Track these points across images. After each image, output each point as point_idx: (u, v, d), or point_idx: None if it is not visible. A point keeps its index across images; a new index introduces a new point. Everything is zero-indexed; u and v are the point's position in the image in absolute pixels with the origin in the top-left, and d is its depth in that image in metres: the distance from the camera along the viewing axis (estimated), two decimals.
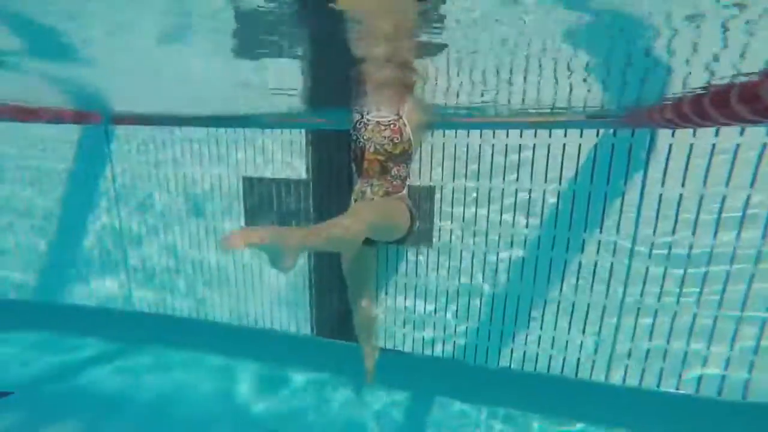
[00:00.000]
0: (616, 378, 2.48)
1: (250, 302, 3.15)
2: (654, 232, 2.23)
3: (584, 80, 1.84)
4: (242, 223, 3.00)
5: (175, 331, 3.37)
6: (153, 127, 3.04)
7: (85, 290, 3.53)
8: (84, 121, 3.12)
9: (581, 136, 2.26)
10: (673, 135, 2.09)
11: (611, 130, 2.21)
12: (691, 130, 2.05)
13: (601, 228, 2.34)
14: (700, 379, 2.34)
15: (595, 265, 2.39)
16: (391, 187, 2.16)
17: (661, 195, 2.17)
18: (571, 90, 2.02)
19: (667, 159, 2.12)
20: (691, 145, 2.07)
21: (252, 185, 2.91)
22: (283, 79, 2.03)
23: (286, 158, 2.81)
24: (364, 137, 2.13)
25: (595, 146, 2.25)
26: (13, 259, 3.58)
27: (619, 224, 2.30)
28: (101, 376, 2.90)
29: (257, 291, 3.10)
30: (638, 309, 2.36)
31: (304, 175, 2.79)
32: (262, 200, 2.90)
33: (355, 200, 2.21)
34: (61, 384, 2.82)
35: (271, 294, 3.08)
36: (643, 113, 2.05)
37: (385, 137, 2.10)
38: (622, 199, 2.26)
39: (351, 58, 1.61)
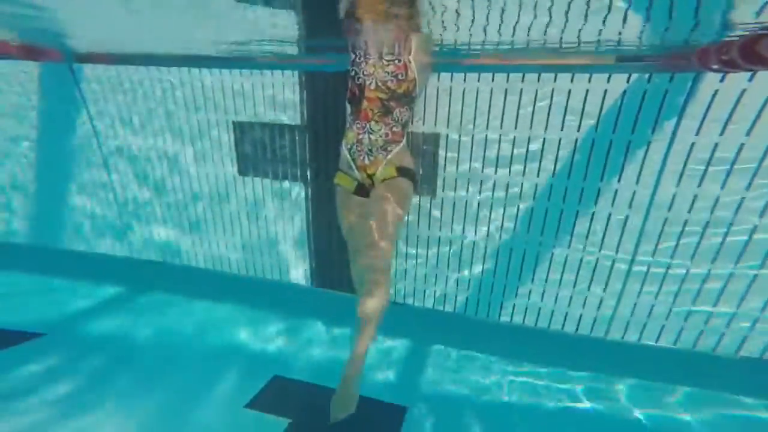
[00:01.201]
0: (615, 334, 2.45)
1: (248, 251, 3.10)
2: (678, 183, 2.05)
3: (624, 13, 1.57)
4: (235, 170, 2.84)
5: (172, 279, 3.37)
6: (129, 67, 2.77)
7: (80, 235, 3.50)
8: (38, 58, 2.82)
9: (609, 81, 2.00)
10: (722, 80, 1.83)
11: (646, 75, 1.94)
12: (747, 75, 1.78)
13: (619, 178, 2.16)
14: (699, 335, 2.30)
15: (608, 218, 2.25)
16: (391, 133, 1.93)
17: (693, 144, 1.96)
18: (604, 23, 1.74)
19: (708, 107, 1.88)
20: (743, 91, 1.81)
21: (243, 131, 2.70)
22: (274, 13, 1.77)
23: (279, 102, 2.57)
24: (365, 72, 1.87)
25: (624, 92, 2.00)
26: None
27: (639, 175, 2.11)
28: (101, 324, 2.93)
29: (254, 240, 3.04)
30: (648, 267, 2.25)
31: (298, 120, 2.57)
32: (255, 146, 2.71)
33: (349, 150, 1.99)
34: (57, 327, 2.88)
35: (271, 245, 3.01)
36: (692, 55, 1.77)
37: (388, 72, 1.85)
38: (647, 149, 2.05)
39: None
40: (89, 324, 2.92)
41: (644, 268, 2.27)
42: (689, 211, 2.08)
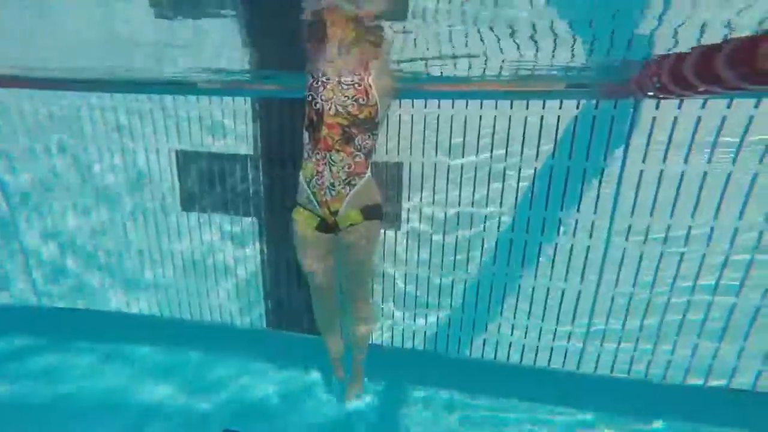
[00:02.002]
0: (587, 367, 2.39)
1: (193, 294, 2.76)
2: (632, 212, 2.11)
3: (571, 46, 1.65)
4: (179, 206, 2.56)
5: (106, 327, 2.96)
6: (55, 92, 2.49)
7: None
8: None
9: (561, 107, 2.07)
10: (657, 107, 1.95)
11: (593, 102, 2.03)
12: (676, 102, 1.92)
13: (578, 207, 2.19)
14: (688, 370, 2.27)
15: (571, 248, 2.25)
16: (354, 164, 1.79)
17: (642, 171, 2.04)
18: (553, 54, 1.83)
19: (650, 133, 1.99)
20: (675, 118, 1.94)
21: (187, 161, 2.47)
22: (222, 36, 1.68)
23: (229, 130, 2.40)
24: (323, 97, 1.76)
25: (575, 118, 2.07)
26: None
27: (597, 203, 2.16)
28: (27, 377, 2.54)
29: (201, 283, 2.72)
30: (612, 297, 2.26)
31: (251, 150, 2.40)
32: (200, 177, 2.47)
33: (308, 183, 1.85)
34: None
35: (221, 286, 2.70)
36: (630, 82, 1.89)
37: (348, 97, 1.75)
38: (601, 175, 2.11)
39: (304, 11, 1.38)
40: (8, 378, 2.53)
41: (609, 298, 2.27)
42: (644, 242, 2.13)
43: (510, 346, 2.47)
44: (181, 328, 2.86)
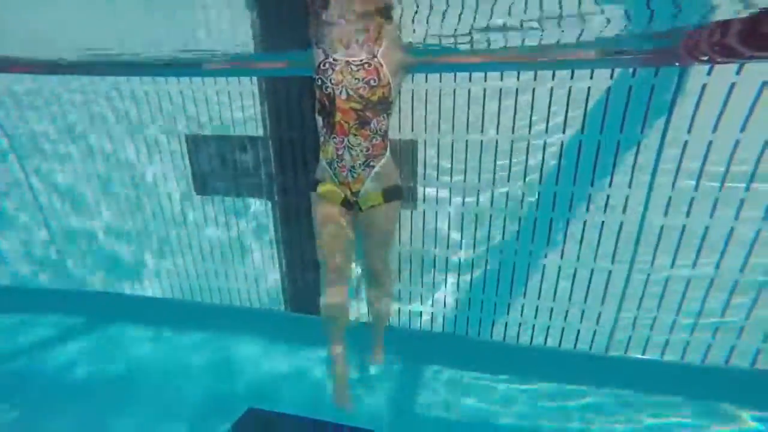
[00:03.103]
0: (617, 350, 2.27)
1: (212, 277, 2.79)
2: (673, 186, 1.91)
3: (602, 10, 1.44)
4: (193, 189, 2.56)
5: (130, 311, 3.05)
6: (59, 76, 2.46)
7: (10, 271, 3.12)
8: None
9: (591, 77, 1.86)
10: (709, 73, 1.70)
11: (630, 70, 1.80)
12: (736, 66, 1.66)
13: (610, 183, 2.00)
14: (708, 348, 2.14)
15: (602, 225, 2.09)
16: (372, 147, 1.74)
17: (686, 143, 1.82)
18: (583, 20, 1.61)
19: (698, 102, 1.75)
20: (733, 85, 1.69)
21: (197, 145, 2.43)
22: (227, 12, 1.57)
23: (237, 111, 2.32)
24: (333, 81, 1.66)
25: (608, 89, 1.85)
26: None
27: (631, 179, 1.97)
28: (50, 360, 2.66)
29: (219, 265, 2.74)
30: (648, 276, 2.09)
31: (259, 131, 2.33)
32: (210, 161, 2.44)
33: (329, 165, 1.79)
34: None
35: (238, 270, 2.73)
36: (677, 48, 1.64)
37: (359, 79, 1.64)
38: (638, 149, 1.91)
39: None
40: (38, 360, 2.67)
41: (643, 277, 2.11)
42: (687, 216, 1.94)
43: (533, 328, 2.38)
44: (201, 311, 2.92)
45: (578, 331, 2.33)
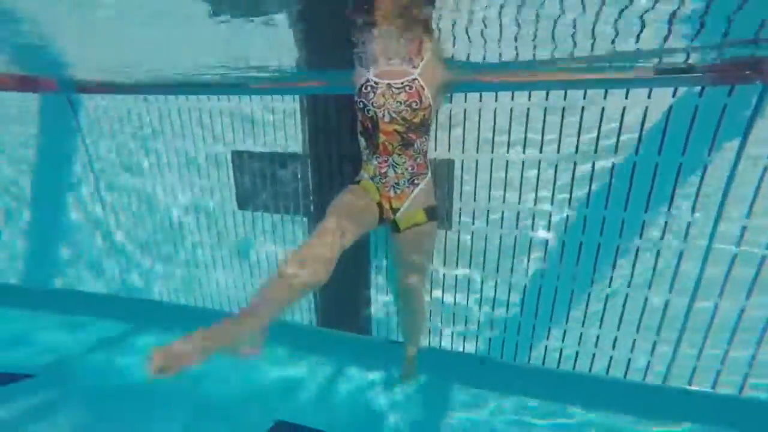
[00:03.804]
0: (672, 382, 2.09)
1: (248, 289, 2.90)
2: (748, 214, 1.69)
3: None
4: (234, 204, 2.68)
5: (167, 319, 3.12)
6: (125, 96, 2.67)
7: (72, 274, 3.37)
8: (35, 89, 2.73)
9: (649, 96, 1.69)
10: None
11: (696, 89, 1.61)
12: None
13: (669, 207, 1.82)
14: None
15: (658, 253, 1.91)
16: (416, 166, 1.74)
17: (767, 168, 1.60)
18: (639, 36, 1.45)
19: None
20: None
21: (242, 160, 2.54)
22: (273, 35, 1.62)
23: (279, 129, 2.39)
24: (375, 104, 1.65)
25: (669, 108, 1.67)
26: None
27: (695, 204, 1.77)
28: (91, 365, 2.80)
29: (255, 278, 2.84)
30: (714, 309, 1.89)
31: (299, 149, 2.38)
32: (254, 178, 2.54)
33: (372, 178, 1.78)
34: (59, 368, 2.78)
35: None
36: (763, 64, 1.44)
37: (401, 102, 1.62)
38: (703, 172, 1.71)
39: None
40: (79, 366, 2.80)
41: (708, 314, 1.91)
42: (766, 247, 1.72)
43: (577, 355, 2.25)
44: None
45: (628, 360, 2.17)
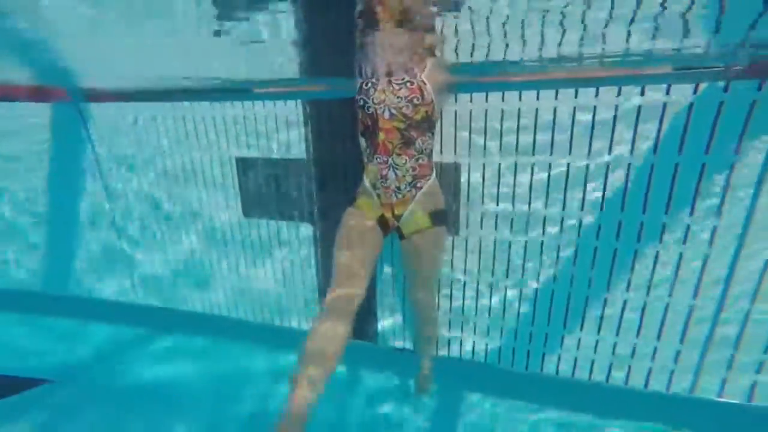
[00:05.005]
0: (701, 390, 1.97)
1: (255, 296, 2.89)
2: None
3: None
4: (239, 211, 2.66)
5: (176, 325, 3.20)
6: (134, 103, 2.67)
7: (84, 280, 3.40)
8: (45, 99, 2.76)
9: (667, 93, 1.58)
10: None
11: (720, 84, 1.49)
12: None
13: (692, 210, 1.70)
14: None
15: (680, 257, 1.79)
16: (419, 166, 1.66)
17: None
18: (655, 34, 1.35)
19: None
20: None
21: (246, 167, 2.52)
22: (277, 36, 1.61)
23: (282, 135, 2.36)
24: (375, 100, 1.60)
25: (690, 105, 1.55)
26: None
27: (721, 206, 1.65)
28: (107, 371, 2.86)
29: (262, 285, 2.83)
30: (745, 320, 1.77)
31: (303, 155, 2.34)
32: (258, 184, 2.52)
33: (373, 186, 1.72)
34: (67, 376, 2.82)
35: (278, 291, 2.79)
36: None
37: (401, 98, 1.58)
38: (730, 173, 1.59)
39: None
40: (95, 371, 2.86)
41: (731, 322, 1.79)
42: None
43: (593, 363, 2.15)
44: (239, 327, 2.98)
45: (649, 369, 2.06)
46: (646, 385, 2.07)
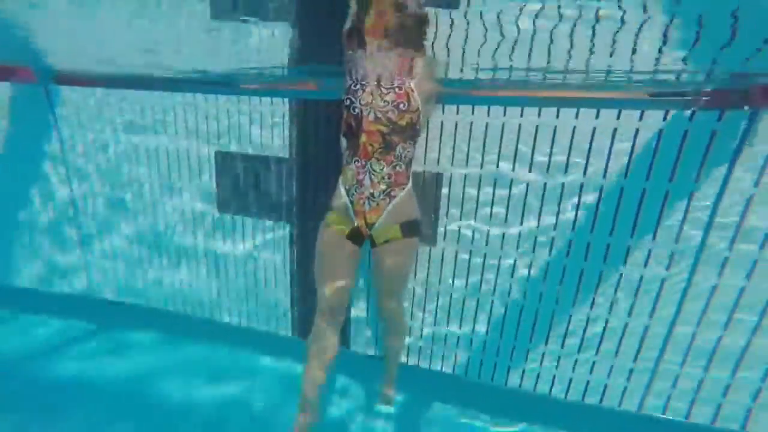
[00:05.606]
0: (648, 408, 2.07)
1: (223, 295, 2.78)
2: (731, 242, 1.69)
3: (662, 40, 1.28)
4: (214, 206, 2.57)
5: (136, 320, 3.03)
6: (107, 90, 2.54)
7: (38, 273, 3.19)
8: (9, 78, 2.59)
9: (641, 118, 1.69)
10: None
11: (687, 113, 1.61)
12: None
13: (654, 234, 1.81)
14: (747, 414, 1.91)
15: (640, 280, 1.89)
16: (395, 174, 1.66)
17: (752, 197, 1.61)
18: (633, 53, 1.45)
19: None
20: None
21: (225, 161, 2.45)
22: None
23: (266, 132, 2.31)
24: (362, 101, 1.62)
25: (660, 132, 1.67)
26: None
27: (680, 231, 1.77)
28: (59, 370, 2.64)
29: (232, 283, 2.73)
30: (693, 337, 1.88)
31: (285, 153, 2.31)
32: (236, 179, 2.45)
33: (348, 191, 1.72)
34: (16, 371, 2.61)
35: (249, 290, 2.70)
36: (754, 90, 1.45)
37: (387, 102, 1.60)
38: (689, 199, 1.71)
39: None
40: (40, 365, 2.67)
41: (688, 338, 1.90)
42: (746, 277, 1.72)
43: (554, 379, 2.21)
44: (210, 328, 2.87)
45: (605, 385, 2.14)
46: (600, 401, 2.15)
